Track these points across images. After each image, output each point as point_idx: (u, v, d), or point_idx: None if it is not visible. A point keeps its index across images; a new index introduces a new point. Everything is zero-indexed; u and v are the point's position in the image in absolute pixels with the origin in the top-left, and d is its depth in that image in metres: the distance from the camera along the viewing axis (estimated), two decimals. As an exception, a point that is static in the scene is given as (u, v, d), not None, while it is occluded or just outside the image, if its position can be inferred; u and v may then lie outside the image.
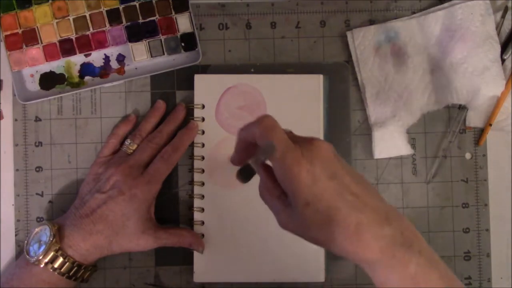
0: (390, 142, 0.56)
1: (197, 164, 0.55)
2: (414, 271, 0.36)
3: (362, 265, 0.37)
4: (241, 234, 0.54)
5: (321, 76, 0.55)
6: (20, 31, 0.55)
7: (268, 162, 0.40)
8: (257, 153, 0.39)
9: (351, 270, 0.56)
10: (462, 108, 0.57)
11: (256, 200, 0.54)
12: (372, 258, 0.36)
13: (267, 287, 0.55)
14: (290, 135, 0.40)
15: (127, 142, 0.54)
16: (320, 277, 0.54)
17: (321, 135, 0.55)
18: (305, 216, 0.37)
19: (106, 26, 0.56)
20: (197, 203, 0.55)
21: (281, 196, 0.40)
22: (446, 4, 0.56)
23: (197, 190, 0.55)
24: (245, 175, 0.39)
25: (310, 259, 0.54)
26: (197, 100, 0.55)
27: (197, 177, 0.55)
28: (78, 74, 0.57)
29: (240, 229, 0.54)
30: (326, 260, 0.55)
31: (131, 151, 0.54)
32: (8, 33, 0.55)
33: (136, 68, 0.57)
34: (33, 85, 0.57)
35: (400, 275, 0.36)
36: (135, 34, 0.56)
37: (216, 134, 0.55)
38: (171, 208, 0.56)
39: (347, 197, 0.37)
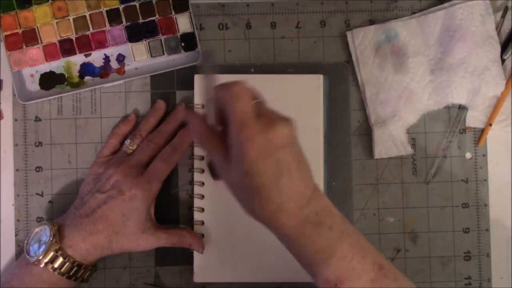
0: (390, 142, 0.56)
1: (197, 164, 0.55)
2: (322, 244, 0.40)
3: (282, 241, 0.42)
4: (241, 234, 0.54)
5: (321, 76, 0.55)
6: (20, 31, 0.55)
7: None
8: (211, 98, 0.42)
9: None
10: (462, 108, 0.57)
11: None
12: (286, 235, 0.41)
13: (268, 287, 0.55)
14: (259, 107, 0.41)
15: (127, 142, 0.54)
16: None
17: (321, 135, 0.55)
18: (241, 181, 0.39)
19: (106, 26, 0.56)
20: (197, 203, 0.55)
21: (225, 150, 0.41)
22: (446, 4, 0.56)
23: (197, 190, 0.55)
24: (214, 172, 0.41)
25: None
26: (197, 100, 0.55)
27: (197, 177, 0.55)
28: (78, 74, 0.57)
29: (240, 229, 0.54)
30: None
31: (131, 151, 0.54)
32: (8, 33, 0.55)
33: (136, 68, 0.57)
34: (33, 85, 0.57)
35: (310, 249, 0.40)
36: (135, 34, 0.56)
37: None
38: (171, 208, 0.56)
39: (280, 181, 0.39)
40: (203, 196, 0.55)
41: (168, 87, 0.57)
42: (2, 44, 0.55)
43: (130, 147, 0.54)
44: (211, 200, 0.55)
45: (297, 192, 0.40)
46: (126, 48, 0.56)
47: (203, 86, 0.45)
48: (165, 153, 0.53)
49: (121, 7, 0.55)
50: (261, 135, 0.38)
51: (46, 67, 0.56)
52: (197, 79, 0.55)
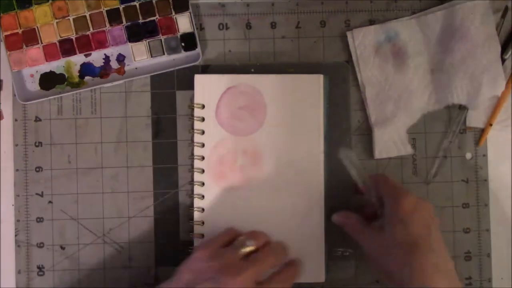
0: (390, 142, 0.56)
1: (197, 164, 0.55)
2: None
3: None
4: None
5: (321, 76, 0.55)
6: (20, 31, 0.55)
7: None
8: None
9: (351, 270, 0.56)
10: (462, 108, 0.57)
11: (255, 200, 0.55)
12: None
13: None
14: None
15: (247, 241, 0.49)
16: (321, 278, 0.54)
17: (321, 135, 0.55)
18: (393, 234, 0.46)
19: (106, 26, 0.56)
20: (197, 203, 0.55)
21: (365, 221, 0.50)
22: (446, 4, 0.56)
23: (197, 190, 0.55)
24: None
25: (310, 259, 0.54)
26: (197, 100, 0.55)
27: (197, 177, 0.55)
28: (78, 74, 0.57)
29: (239, 229, 0.54)
30: (326, 260, 0.55)
31: (246, 252, 0.48)
32: (8, 33, 0.55)
33: (136, 68, 0.57)
34: (33, 85, 0.57)
35: None
36: (135, 34, 0.56)
37: (216, 134, 0.55)
38: (171, 208, 0.56)
39: (433, 235, 0.46)
40: (203, 196, 0.55)
41: (168, 87, 0.57)
42: (2, 44, 0.55)
43: (248, 248, 0.48)
44: (211, 200, 0.55)
45: (443, 249, 0.46)
46: (126, 48, 0.56)
47: (355, 167, 0.51)
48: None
49: (121, 7, 0.56)
50: (414, 196, 0.48)
51: (46, 67, 0.56)
52: (197, 79, 0.55)
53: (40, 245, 0.56)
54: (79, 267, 0.56)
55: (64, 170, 0.57)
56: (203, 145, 0.55)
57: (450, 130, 0.57)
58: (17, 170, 0.56)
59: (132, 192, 0.57)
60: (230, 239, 0.50)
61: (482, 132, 0.58)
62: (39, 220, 0.56)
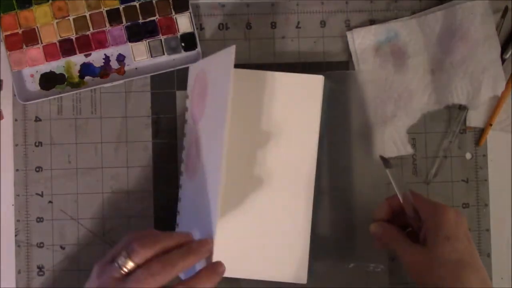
0: (390, 142, 0.56)
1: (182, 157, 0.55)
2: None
3: None
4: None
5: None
6: (20, 31, 0.55)
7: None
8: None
9: (385, 286, 0.56)
10: (462, 108, 0.57)
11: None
12: None
13: (268, 287, 0.55)
14: None
15: (123, 256, 0.43)
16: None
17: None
18: (440, 251, 0.45)
19: (106, 26, 0.56)
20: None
21: (408, 235, 0.49)
22: (446, 4, 0.56)
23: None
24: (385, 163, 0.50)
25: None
26: (189, 89, 0.56)
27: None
28: (78, 74, 0.57)
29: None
30: (313, 262, 0.55)
31: (125, 272, 0.43)
32: (8, 33, 0.55)
33: (136, 68, 0.57)
34: (33, 85, 0.57)
35: None
36: (135, 34, 0.56)
37: (188, 125, 0.55)
38: (171, 208, 0.56)
39: (475, 251, 0.47)
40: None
41: (168, 87, 0.57)
42: (2, 44, 0.55)
43: (125, 267, 0.43)
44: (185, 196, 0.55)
45: (482, 265, 0.46)
46: (126, 48, 0.56)
47: (396, 183, 0.50)
48: None
49: (121, 7, 0.56)
50: (453, 210, 0.47)
51: (46, 67, 0.56)
52: (192, 68, 0.55)
53: (40, 245, 0.56)
54: (79, 267, 0.56)
55: (64, 170, 0.57)
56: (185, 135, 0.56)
57: (450, 130, 0.57)
58: (17, 170, 0.56)
59: (132, 192, 0.57)
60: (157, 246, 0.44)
61: (482, 132, 0.58)
62: (39, 220, 0.56)
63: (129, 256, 0.43)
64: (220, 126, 0.47)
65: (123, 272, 0.43)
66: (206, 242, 0.47)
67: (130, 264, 0.43)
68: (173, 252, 0.44)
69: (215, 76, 0.51)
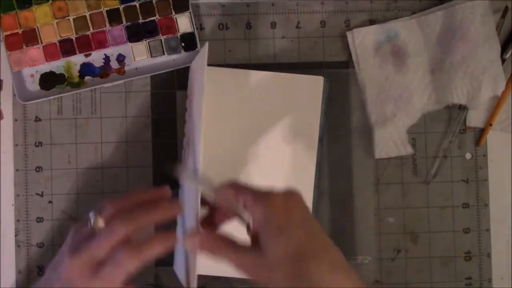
0: (390, 142, 0.56)
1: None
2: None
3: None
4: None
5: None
6: (20, 31, 0.55)
7: None
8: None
9: (372, 277, 0.56)
10: (462, 108, 0.57)
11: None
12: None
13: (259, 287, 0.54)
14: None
15: (91, 215, 0.44)
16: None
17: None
18: (273, 248, 0.38)
19: (106, 26, 0.56)
20: None
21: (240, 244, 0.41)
22: (446, 4, 0.56)
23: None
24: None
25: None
26: (188, 89, 0.56)
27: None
28: (78, 74, 0.57)
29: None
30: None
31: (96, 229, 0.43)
32: (8, 33, 0.55)
33: (136, 68, 0.57)
34: (33, 85, 0.57)
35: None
36: (135, 34, 0.56)
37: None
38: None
39: (322, 236, 0.39)
40: None
41: (168, 87, 0.57)
42: (2, 44, 0.55)
43: (95, 224, 0.43)
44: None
45: (332, 248, 0.39)
46: (126, 48, 0.56)
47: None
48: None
49: (121, 7, 0.56)
50: (279, 194, 0.40)
51: (46, 67, 0.56)
52: (192, 66, 0.55)
53: (40, 245, 0.56)
54: (79, 267, 0.56)
55: (64, 170, 0.57)
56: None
57: (450, 130, 0.57)
58: (17, 170, 0.56)
59: (132, 192, 0.57)
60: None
61: (482, 132, 0.58)
62: (39, 220, 0.56)
63: (99, 212, 0.43)
64: (197, 126, 0.47)
65: (93, 230, 0.43)
66: (176, 202, 0.46)
67: (100, 221, 0.43)
68: (137, 208, 0.44)
69: (196, 75, 0.51)
